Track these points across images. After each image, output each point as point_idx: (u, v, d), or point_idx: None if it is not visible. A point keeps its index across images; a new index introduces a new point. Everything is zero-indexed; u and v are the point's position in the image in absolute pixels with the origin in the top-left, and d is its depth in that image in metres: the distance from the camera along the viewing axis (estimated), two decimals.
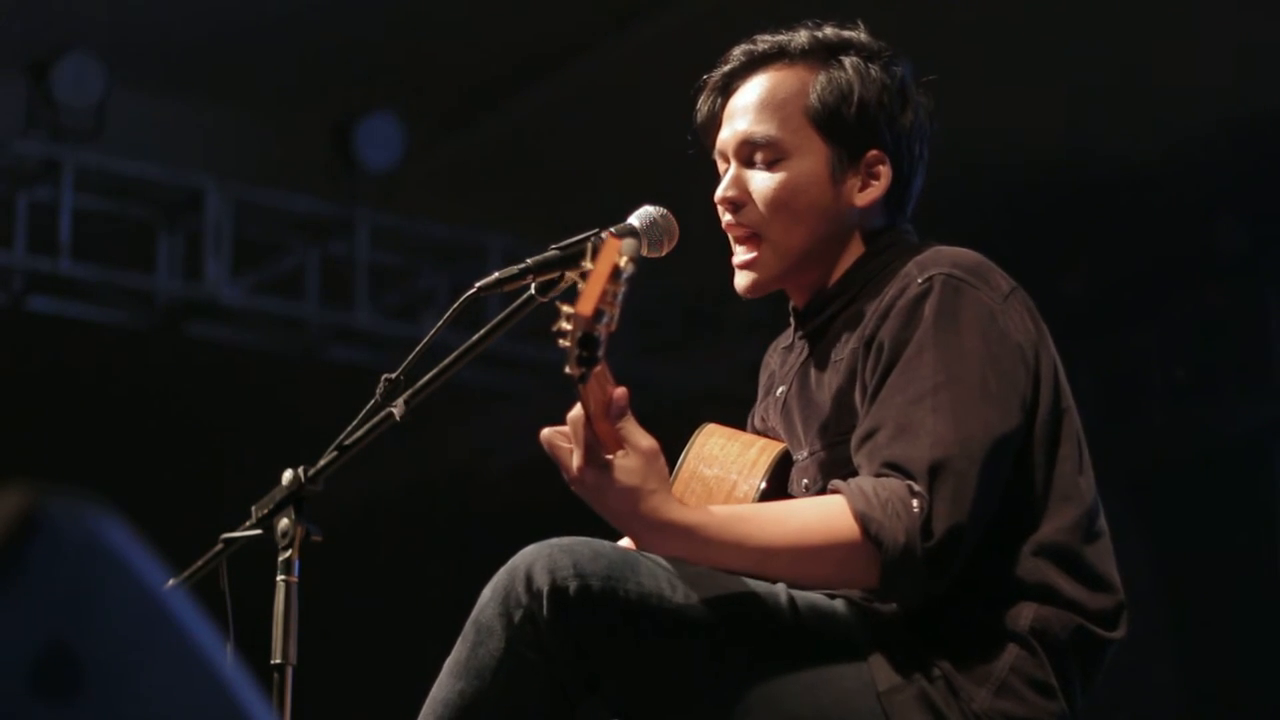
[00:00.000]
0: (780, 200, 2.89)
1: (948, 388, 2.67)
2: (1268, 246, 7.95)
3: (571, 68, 7.70)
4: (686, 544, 2.60)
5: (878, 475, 2.63)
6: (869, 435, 2.69)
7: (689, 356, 8.68)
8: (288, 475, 2.91)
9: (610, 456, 2.52)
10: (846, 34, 2.96)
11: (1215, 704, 8.27)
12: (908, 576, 2.58)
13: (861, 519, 2.58)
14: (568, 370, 2.43)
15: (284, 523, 2.89)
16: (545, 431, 2.59)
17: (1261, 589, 8.05)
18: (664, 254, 2.92)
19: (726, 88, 2.98)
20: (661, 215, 2.90)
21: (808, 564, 2.63)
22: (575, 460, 2.53)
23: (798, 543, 2.60)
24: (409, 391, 2.88)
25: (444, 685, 2.65)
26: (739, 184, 2.92)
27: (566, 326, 2.38)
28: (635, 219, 2.89)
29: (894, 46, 2.97)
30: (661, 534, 2.57)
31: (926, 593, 2.63)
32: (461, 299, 2.88)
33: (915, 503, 2.58)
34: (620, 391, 2.48)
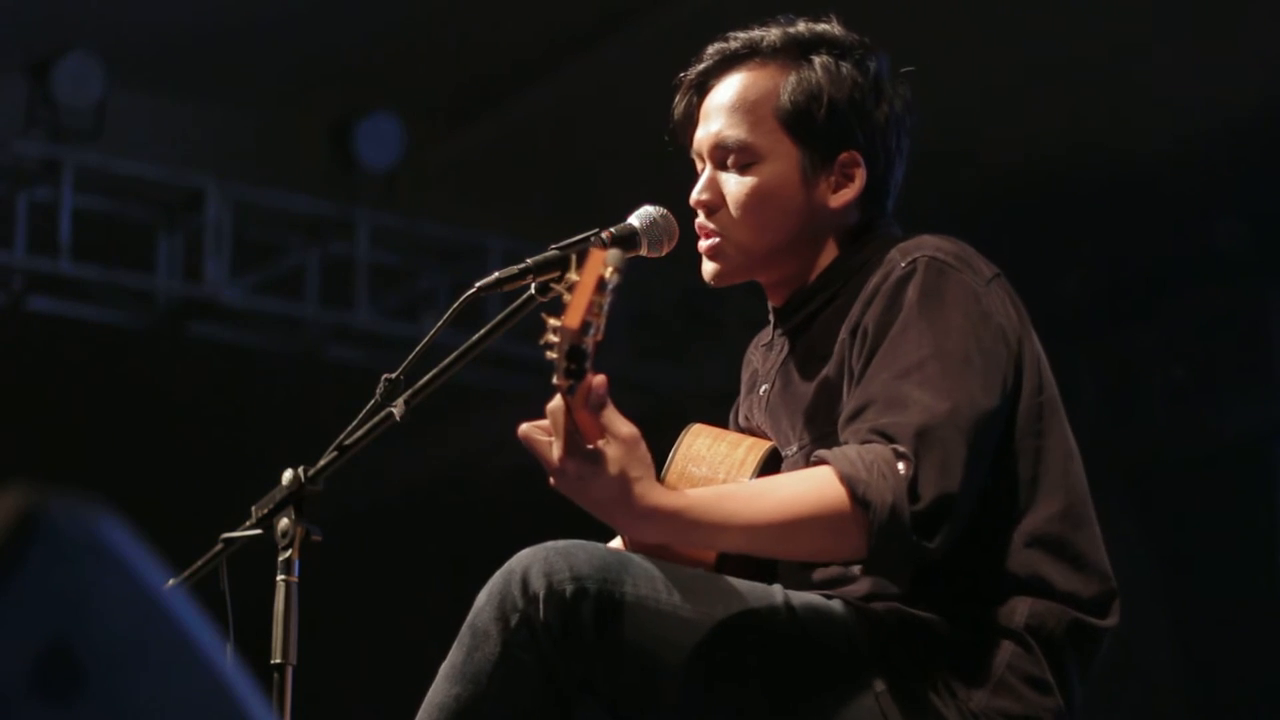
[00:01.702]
0: (751, 205, 2.89)
1: (933, 360, 2.67)
2: (1268, 246, 7.95)
3: (571, 68, 7.70)
4: (673, 528, 2.57)
5: (863, 443, 2.62)
6: (857, 412, 2.68)
7: (689, 356, 8.68)
8: (288, 475, 2.91)
9: (592, 445, 2.50)
10: (819, 29, 2.94)
11: (1215, 703, 8.27)
12: (896, 541, 2.56)
13: (848, 481, 2.56)
14: (555, 382, 2.42)
15: (284, 523, 2.89)
16: (523, 427, 2.56)
17: (1261, 589, 8.05)
18: (664, 254, 2.93)
19: (702, 86, 2.98)
20: (661, 215, 2.91)
21: (797, 535, 2.60)
22: (556, 451, 2.50)
23: (786, 514, 2.58)
24: (409, 391, 2.88)
25: (439, 690, 2.65)
26: (713, 187, 2.93)
27: (553, 339, 2.38)
28: (635, 219, 2.90)
29: (869, 39, 2.96)
30: (648, 520, 2.54)
31: (915, 563, 2.60)
32: (461, 299, 2.88)
33: (901, 465, 2.57)
34: (599, 379, 2.45)
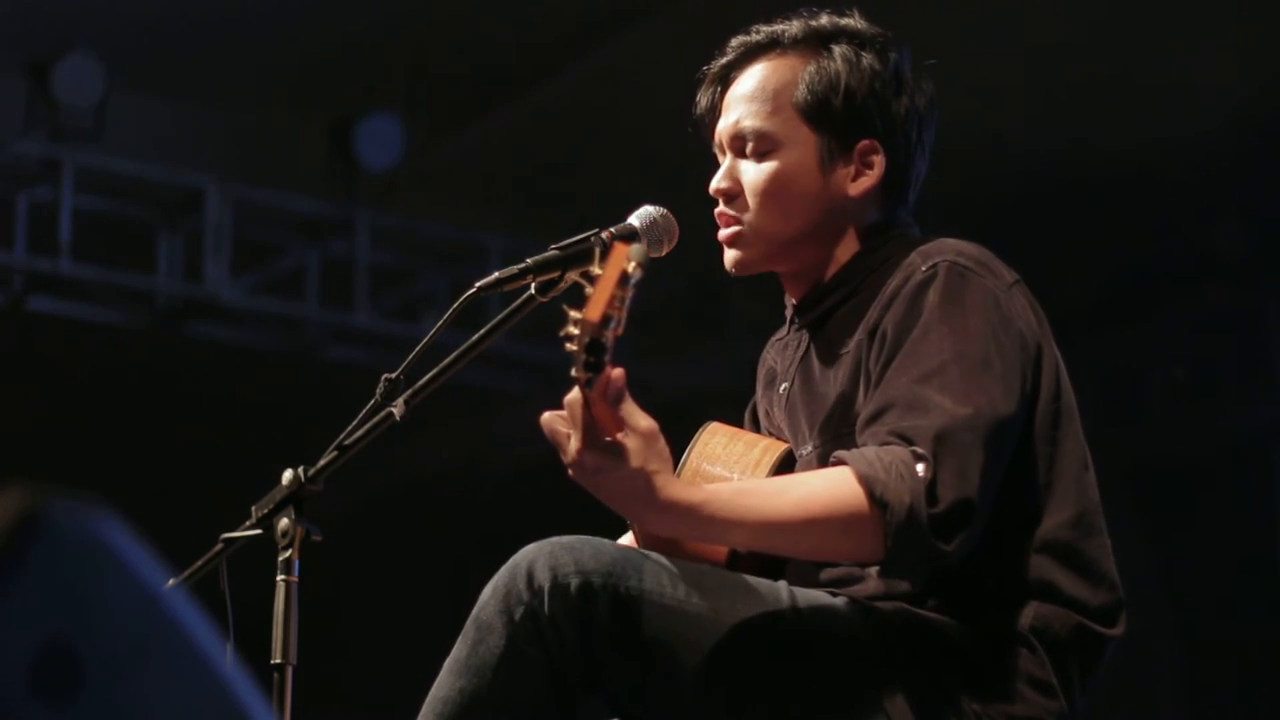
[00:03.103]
0: (769, 191, 2.90)
1: (954, 365, 2.66)
2: (1268, 246, 7.96)
3: (571, 68, 7.70)
4: (689, 523, 2.57)
5: (882, 445, 2.62)
6: (876, 414, 2.67)
7: (689, 356, 8.68)
8: (288, 475, 2.91)
9: (610, 438, 2.49)
10: (841, 21, 2.96)
11: (1216, 703, 8.27)
12: (913, 544, 2.55)
13: (866, 482, 2.55)
14: (574, 375, 2.42)
15: (284, 523, 2.89)
16: (545, 416, 2.54)
17: (1262, 589, 8.06)
18: (664, 254, 2.93)
19: (725, 78, 2.99)
20: (661, 215, 2.91)
21: (813, 534, 2.59)
22: (574, 443, 2.49)
23: (802, 513, 2.57)
24: (409, 391, 2.88)
25: (444, 683, 2.65)
26: (732, 175, 2.93)
27: (573, 331, 2.37)
28: (635, 219, 2.90)
29: (892, 32, 2.97)
30: (664, 514, 2.53)
31: (931, 568, 2.60)
32: (461, 299, 2.88)
33: (920, 467, 2.56)
34: (618, 372, 2.44)
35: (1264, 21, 7.09)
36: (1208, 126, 7.55)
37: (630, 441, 2.49)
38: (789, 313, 3.02)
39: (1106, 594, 2.78)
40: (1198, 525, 8.29)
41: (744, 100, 2.94)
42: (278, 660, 2.87)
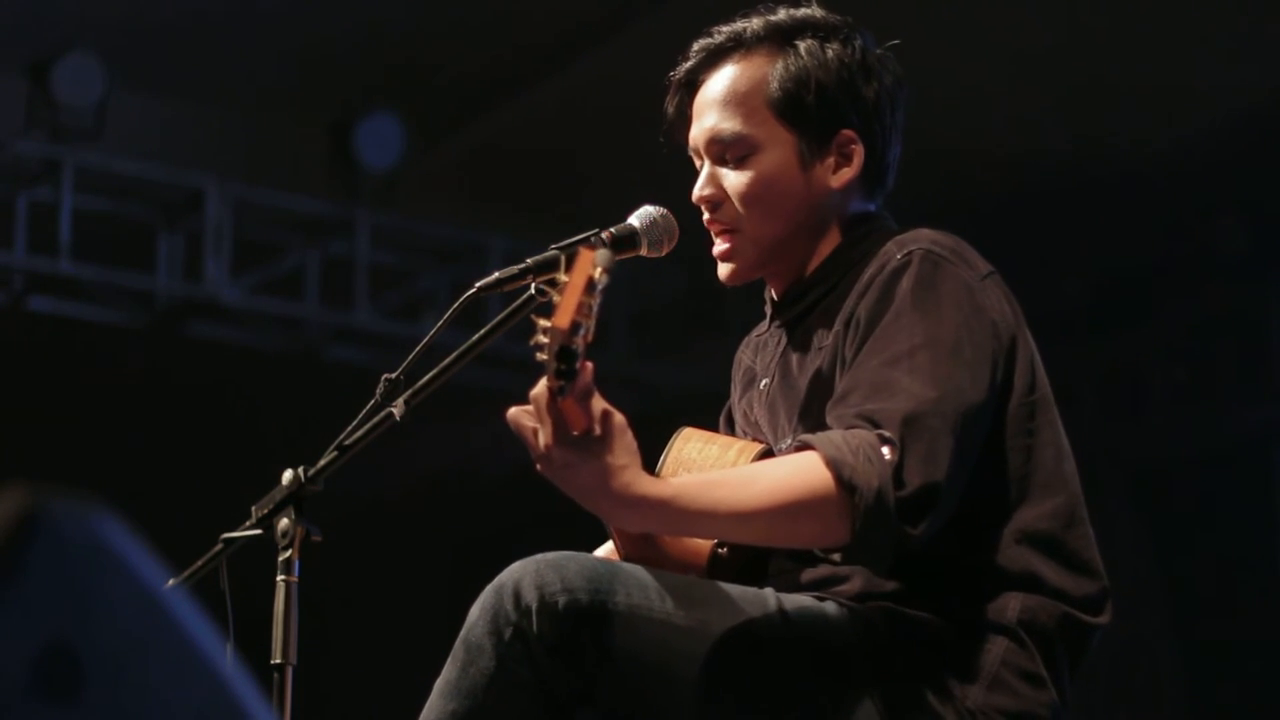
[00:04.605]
0: (753, 195, 2.89)
1: (924, 350, 2.67)
2: (1268, 246, 7.95)
3: (571, 67, 7.70)
4: (660, 517, 2.56)
5: (849, 428, 2.61)
6: (843, 396, 2.68)
7: (689, 356, 8.67)
8: (288, 475, 2.92)
9: (578, 432, 2.48)
10: (800, 14, 2.95)
11: (1217, 703, 8.27)
12: (880, 528, 2.54)
13: (834, 465, 2.55)
14: (547, 384, 2.42)
15: (284, 523, 2.90)
16: (511, 411, 2.52)
17: (1262, 589, 8.06)
18: (664, 254, 2.93)
19: (691, 84, 2.98)
20: (661, 215, 2.91)
21: (784, 521, 2.59)
22: (542, 438, 2.47)
23: (771, 501, 2.56)
24: (409, 391, 2.88)
25: (435, 707, 2.63)
26: (714, 182, 2.92)
27: (544, 340, 2.38)
28: (635, 219, 2.90)
29: (851, 18, 2.95)
30: (634, 509, 2.52)
31: (897, 551, 2.59)
32: (461, 299, 2.88)
33: (886, 450, 2.56)
34: (587, 366, 2.44)
35: (1264, 21, 7.09)
36: (1208, 126, 7.54)
37: (598, 436, 2.48)
38: (768, 309, 3.02)
39: (1091, 583, 2.78)
40: (1198, 525, 8.28)
41: (716, 105, 2.92)
42: (278, 660, 2.87)
